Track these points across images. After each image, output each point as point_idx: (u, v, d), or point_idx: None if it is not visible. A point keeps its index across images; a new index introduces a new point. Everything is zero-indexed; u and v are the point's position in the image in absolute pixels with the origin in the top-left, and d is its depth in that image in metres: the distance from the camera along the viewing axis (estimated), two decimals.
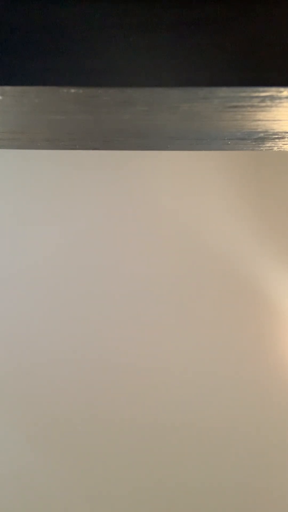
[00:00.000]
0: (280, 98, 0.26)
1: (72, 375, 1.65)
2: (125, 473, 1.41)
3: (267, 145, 0.31)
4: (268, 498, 1.19)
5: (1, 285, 1.74)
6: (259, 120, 0.28)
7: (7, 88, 0.24)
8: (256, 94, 0.26)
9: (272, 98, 0.26)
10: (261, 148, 0.31)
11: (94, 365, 1.49)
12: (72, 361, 1.64)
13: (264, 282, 1.23)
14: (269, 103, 0.26)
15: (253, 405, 1.16)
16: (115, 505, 1.43)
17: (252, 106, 0.26)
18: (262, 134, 0.29)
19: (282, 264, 1.19)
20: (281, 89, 0.25)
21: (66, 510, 1.58)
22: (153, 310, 1.64)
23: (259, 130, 0.29)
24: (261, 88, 0.25)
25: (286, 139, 0.30)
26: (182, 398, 1.19)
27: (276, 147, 0.32)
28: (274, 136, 0.30)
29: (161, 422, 1.25)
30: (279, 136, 0.30)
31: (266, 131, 0.29)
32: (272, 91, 0.25)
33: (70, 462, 1.59)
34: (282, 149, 0.33)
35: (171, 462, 1.27)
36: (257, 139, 0.30)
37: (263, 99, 0.26)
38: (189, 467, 1.24)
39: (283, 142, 0.30)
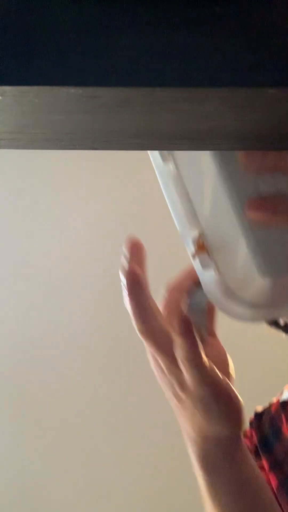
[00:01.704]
0: (280, 98, 0.26)
1: (73, 372, 1.65)
2: (126, 468, 1.41)
3: (267, 145, 0.31)
4: None
5: (1, 285, 1.74)
6: (259, 120, 0.28)
7: (7, 88, 0.24)
8: (256, 94, 0.26)
9: (271, 98, 0.26)
10: (261, 148, 0.31)
11: (95, 362, 1.49)
12: (73, 357, 1.64)
13: None
14: (269, 103, 0.26)
15: None
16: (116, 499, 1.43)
17: (251, 106, 0.26)
18: (262, 134, 0.29)
19: None
20: (281, 89, 0.25)
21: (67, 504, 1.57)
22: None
23: (259, 130, 0.29)
24: (260, 88, 0.25)
25: (286, 139, 0.30)
26: None
27: (276, 147, 0.32)
28: (274, 136, 0.30)
29: (163, 423, 1.25)
30: (280, 136, 0.30)
31: (266, 132, 0.29)
32: (271, 91, 0.25)
33: (69, 458, 1.59)
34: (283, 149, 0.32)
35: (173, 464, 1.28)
36: (258, 139, 0.30)
37: (263, 99, 0.26)
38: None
39: (283, 143, 0.30)
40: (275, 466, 0.71)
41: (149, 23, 0.25)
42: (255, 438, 0.79)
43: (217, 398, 0.51)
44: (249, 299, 0.45)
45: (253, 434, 0.80)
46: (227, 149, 0.30)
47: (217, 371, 0.52)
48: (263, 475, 0.73)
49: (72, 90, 0.25)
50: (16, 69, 0.24)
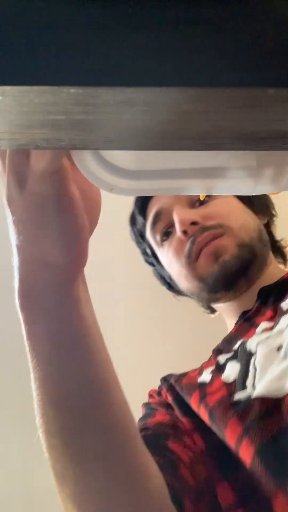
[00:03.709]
0: (280, 98, 0.26)
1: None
2: None
3: (267, 145, 0.31)
4: None
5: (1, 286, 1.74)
6: (259, 120, 0.28)
7: (7, 88, 0.24)
8: (256, 94, 0.26)
9: (271, 98, 0.26)
10: (261, 148, 0.31)
11: None
12: None
13: None
14: (269, 103, 0.26)
15: None
16: None
17: (252, 106, 0.26)
18: (262, 134, 0.29)
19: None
20: (281, 89, 0.25)
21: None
22: (154, 313, 1.63)
23: (259, 130, 0.29)
24: (261, 88, 0.25)
25: (286, 139, 0.30)
26: None
27: (276, 147, 0.32)
28: (274, 136, 0.30)
29: None
30: (279, 136, 0.30)
31: (266, 131, 0.29)
32: (271, 91, 0.25)
33: None
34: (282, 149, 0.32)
35: None
36: (257, 139, 0.30)
37: (263, 99, 0.26)
38: None
39: (283, 142, 0.30)
40: (202, 428, 0.69)
41: (149, 23, 0.25)
42: (169, 397, 0.79)
43: (62, 204, 0.38)
44: (119, 157, 0.35)
45: (166, 393, 0.81)
46: (227, 149, 0.30)
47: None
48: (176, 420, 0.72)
49: (72, 90, 0.25)
50: (16, 69, 0.24)
